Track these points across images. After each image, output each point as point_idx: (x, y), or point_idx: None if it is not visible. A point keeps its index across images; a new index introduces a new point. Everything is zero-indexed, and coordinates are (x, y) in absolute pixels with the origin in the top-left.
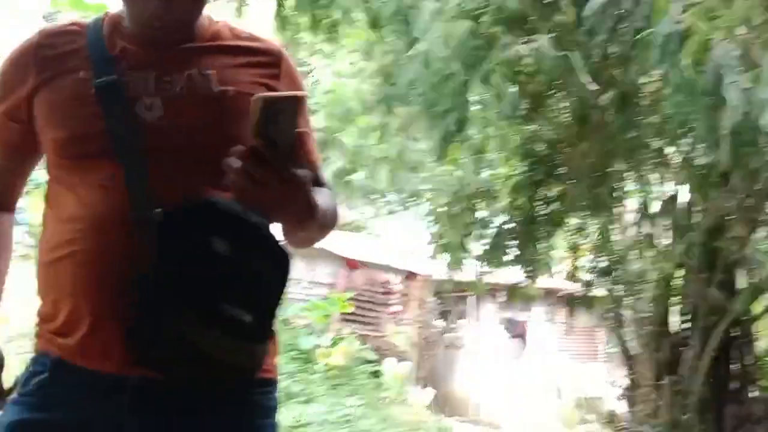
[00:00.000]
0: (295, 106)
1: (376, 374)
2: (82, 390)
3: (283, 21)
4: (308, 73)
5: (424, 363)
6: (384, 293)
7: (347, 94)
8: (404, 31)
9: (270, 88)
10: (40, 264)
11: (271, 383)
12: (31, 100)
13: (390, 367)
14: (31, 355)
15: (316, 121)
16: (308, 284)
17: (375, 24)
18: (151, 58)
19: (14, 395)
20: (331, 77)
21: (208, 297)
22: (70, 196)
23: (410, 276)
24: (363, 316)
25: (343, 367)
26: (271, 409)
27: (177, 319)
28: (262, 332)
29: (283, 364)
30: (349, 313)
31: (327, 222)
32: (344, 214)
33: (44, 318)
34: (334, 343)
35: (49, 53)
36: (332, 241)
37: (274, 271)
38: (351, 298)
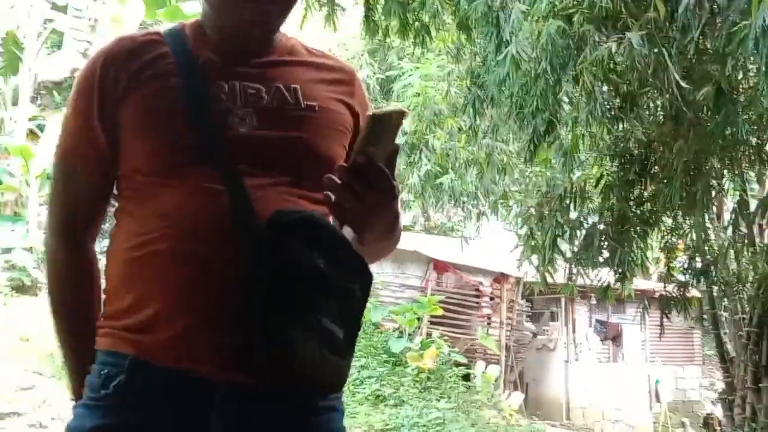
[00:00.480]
0: (401, 121)
1: (466, 377)
2: (167, 393)
3: (372, 25)
4: (397, 76)
5: (515, 366)
6: (474, 296)
7: (436, 97)
8: (493, 32)
9: (347, 106)
10: (117, 260)
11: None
12: (120, 104)
13: (480, 370)
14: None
15: (406, 125)
16: (398, 287)
17: (464, 26)
18: (235, 69)
19: (85, 399)
20: (420, 80)
21: (309, 310)
22: (163, 198)
23: (500, 278)
24: (453, 318)
25: (433, 370)
26: (343, 413)
27: (281, 329)
28: (350, 348)
29: (373, 367)
30: (438, 316)
31: (399, 234)
32: (433, 216)
33: (118, 314)
34: (424, 346)
35: (135, 59)
36: (422, 244)
37: (361, 290)
38: (441, 301)
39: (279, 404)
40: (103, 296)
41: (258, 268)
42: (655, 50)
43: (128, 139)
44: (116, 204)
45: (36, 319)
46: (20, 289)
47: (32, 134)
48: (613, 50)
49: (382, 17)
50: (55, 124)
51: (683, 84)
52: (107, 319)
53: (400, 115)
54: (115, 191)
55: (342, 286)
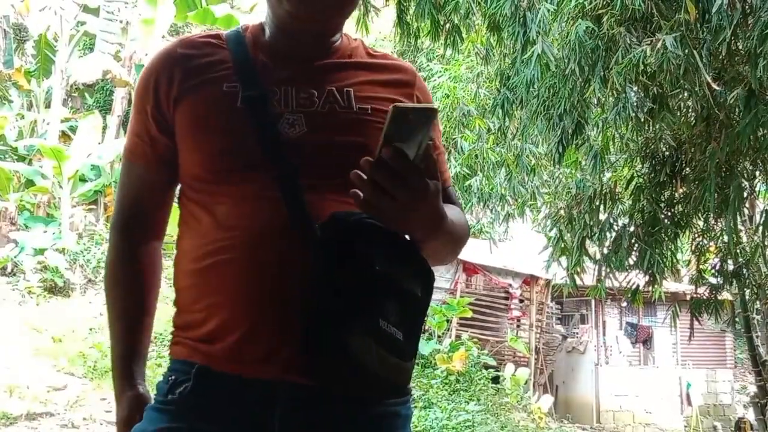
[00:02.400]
0: (429, 118)
1: (495, 380)
2: (230, 398)
3: (404, 27)
4: (427, 77)
5: (545, 368)
6: (503, 298)
7: (464, 98)
8: (520, 32)
9: None
10: (183, 272)
11: (408, 392)
12: (175, 106)
13: (509, 372)
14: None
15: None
16: None
17: (494, 27)
18: (291, 73)
19: (154, 402)
20: (449, 82)
21: (370, 313)
22: (221, 207)
23: (530, 280)
24: (482, 321)
25: (462, 372)
26: (408, 418)
27: (339, 332)
28: (412, 350)
29: None
30: (468, 318)
31: (456, 237)
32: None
33: (187, 326)
34: (453, 349)
35: (192, 62)
36: None
37: (422, 290)
38: (470, 303)
39: (340, 408)
40: (173, 306)
41: (319, 272)
42: (686, 51)
43: (183, 143)
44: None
45: (68, 320)
46: (52, 290)
47: (64, 136)
48: (647, 53)
49: (414, 19)
50: (87, 126)
51: (714, 86)
52: (178, 329)
53: (430, 112)
54: (176, 201)
55: (403, 287)
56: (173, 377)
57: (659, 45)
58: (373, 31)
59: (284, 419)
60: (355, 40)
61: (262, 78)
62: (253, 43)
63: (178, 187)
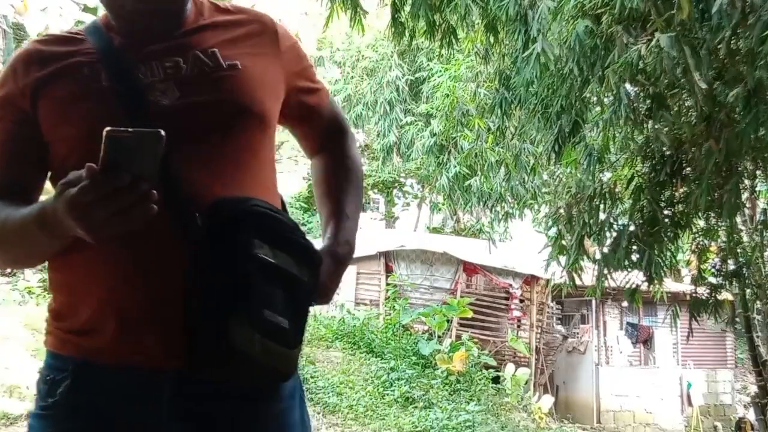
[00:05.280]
0: (154, 141)
1: (495, 380)
2: (113, 391)
3: (399, 27)
4: (427, 77)
5: (545, 369)
6: (503, 298)
7: (464, 98)
8: (521, 30)
9: (274, 56)
10: (57, 261)
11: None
12: (36, 100)
13: (510, 372)
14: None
15: (435, 126)
16: (427, 289)
17: (492, 27)
18: (149, 49)
19: (36, 408)
20: (449, 81)
21: (253, 302)
22: None
23: (530, 280)
24: (482, 321)
25: (463, 372)
26: (300, 401)
27: (218, 322)
28: (298, 336)
29: (402, 369)
30: (468, 319)
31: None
32: (463, 218)
33: (59, 315)
34: (454, 349)
35: (50, 54)
36: (451, 246)
37: (309, 275)
38: (470, 304)
39: (228, 396)
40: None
41: (197, 262)
42: (680, 52)
43: (51, 135)
44: None
45: None
46: None
47: None
48: (642, 52)
49: (409, 19)
50: None
51: (702, 86)
52: (53, 318)
53: (153, 135)
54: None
55: (288, 274)
56: (51, 376)
57: (653, 44)
58: (372, 32)
59: (172, 410)
60: (201, 1)
61: (127, 57)
62: (108, 30)
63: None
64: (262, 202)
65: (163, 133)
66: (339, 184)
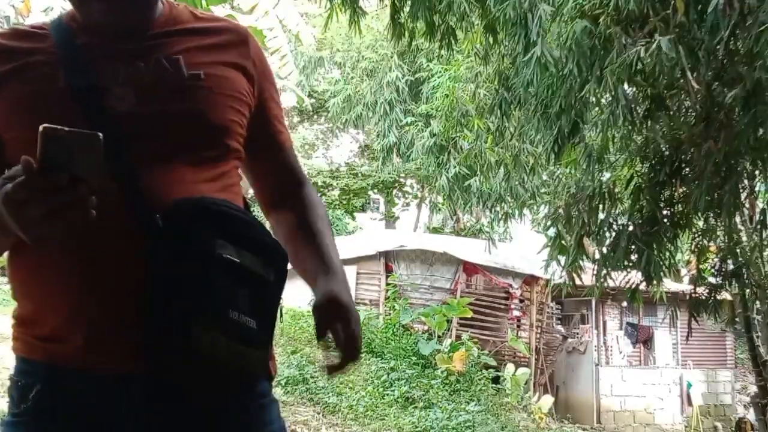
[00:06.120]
0: (93, 144)
1: (495, 380)
2: (84, 394)
3: (398, 28)
4: (427, 77)
5: (545, 369)
6: (503, 298)
7: (464, 98)
8: (521, 33)
9: (241, 68)
10: (13, 266)
11: (269, 379)
12: None
13: (510, 372)
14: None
15: (434, 126)
16: (427, 289)
17: (490, 28)
18: (116, 49)
19: (9, 415)
20: (448, 82)
21: (217, 303)
22: None
23: (530, 280)
24: (482, 321)
25: (463, 372)
26: (271, 404)
27: (182, 325)
28: (266, 337)
29: (402, 369)
30: (468, 319)
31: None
32: (463, 218)
33: (26, 322)
34: (454, 349)
35: (10, 49)
36: (451, 246)
37: (275, 275)
38: (470, 303)
39: (197, 399)
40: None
41: (159, 264)
42: (677, 53)
43: (7, 133)
44: None
45: None
46: None
47: None
48: (641, 54)
49: (408, 20)
50: None
51: (695, 86)
52: (18, 324)
53: (91, 138)
54: None
55: (253, 273)
56: (22, 381)
57: (654, 46)
58: (372, 33)
59: (140, 414)
60: (177, 5)
61: (87, 57)
62: (76, 26)
63: None
64: (223, 201)
65: (101, 135)
66: (318, 233)
